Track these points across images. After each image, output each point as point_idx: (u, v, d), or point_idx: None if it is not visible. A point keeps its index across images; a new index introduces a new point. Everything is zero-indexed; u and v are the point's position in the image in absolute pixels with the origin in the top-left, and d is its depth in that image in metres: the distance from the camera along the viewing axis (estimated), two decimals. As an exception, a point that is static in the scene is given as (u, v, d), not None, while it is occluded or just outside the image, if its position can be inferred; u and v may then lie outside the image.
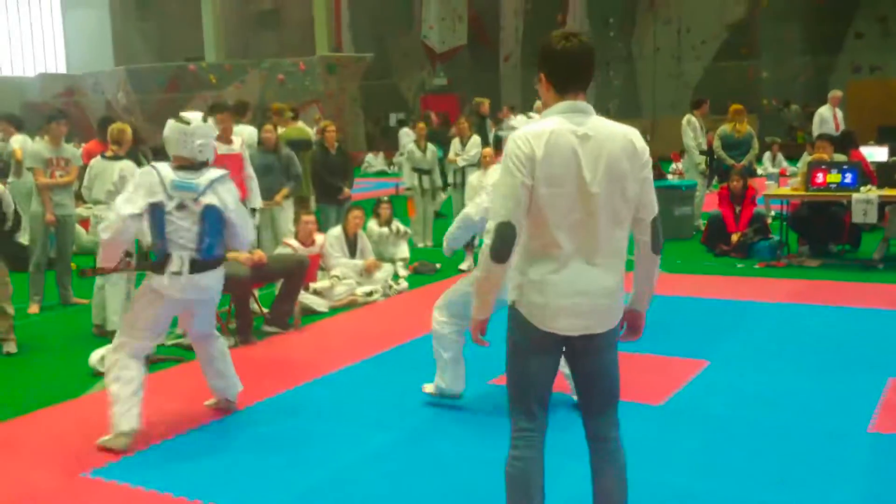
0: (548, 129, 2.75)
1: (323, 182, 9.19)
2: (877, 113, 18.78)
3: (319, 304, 7.40)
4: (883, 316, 6.58)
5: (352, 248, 8.16)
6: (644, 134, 10.64)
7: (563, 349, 2.91)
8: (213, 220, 4.53)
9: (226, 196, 4.58)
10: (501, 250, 2.75)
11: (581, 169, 2.73)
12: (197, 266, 4.50)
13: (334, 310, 7.48)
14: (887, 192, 8.33)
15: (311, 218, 7.89)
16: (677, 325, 6.50)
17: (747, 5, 23.55)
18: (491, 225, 2.77)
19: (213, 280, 4.65)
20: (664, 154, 15.63)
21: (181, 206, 4.46)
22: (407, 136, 16.66)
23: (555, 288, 2.79)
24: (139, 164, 7.46)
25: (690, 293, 7.57)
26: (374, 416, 4.80)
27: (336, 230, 8.21)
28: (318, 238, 7.80)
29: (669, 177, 13.95)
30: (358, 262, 8.05)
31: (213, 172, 4.60)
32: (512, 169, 2.73)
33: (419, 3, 27.54)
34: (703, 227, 10.29)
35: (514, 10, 26.69)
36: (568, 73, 2.82)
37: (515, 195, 2.72)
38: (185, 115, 4.59)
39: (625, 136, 2.80)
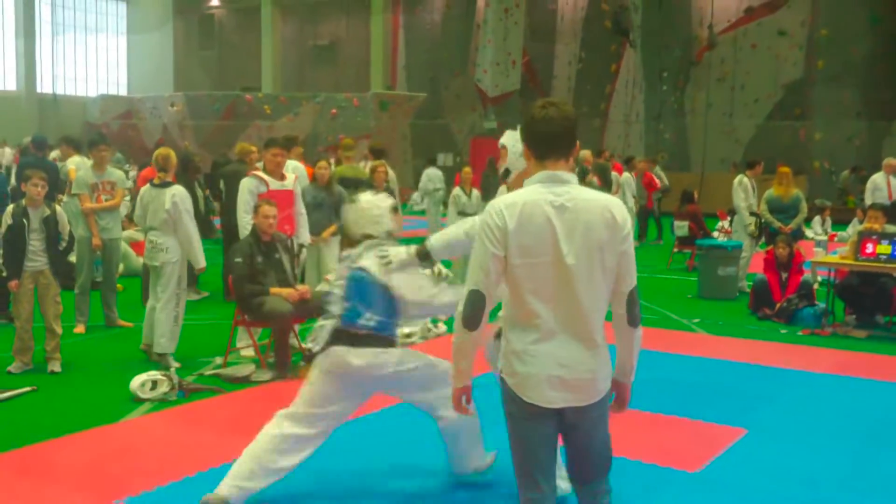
0: (521, 199, 2.77)
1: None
2: (932, 182, 18.46)
3: (358, 344, 7.41)
4: (930, 394, 6.43)
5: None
6: (692, 189, 10.59)
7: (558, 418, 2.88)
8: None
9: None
10: (472, 318, 2.80)
11: (557, 240, 2.73)
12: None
13: (372, 350, 7.49)
14: (939, 266, 8.17)
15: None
16: (716, 390, 6.41)
17: (803, 66, 23.45)
18: (464, 292, 2.83)
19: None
20: (710, 211, 15.50)
21: None
22: (429, 178, 16.72)
23: (535, 359, 2.79)
24: (192, 192, 7.63)
25: (730, 357, 7.46)
26: (406, 460, 4.79)
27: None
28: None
29: (715, 234, 13.84)
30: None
31: None
32: (484, 239, 2.78)
33: (474, 46, 27.88)
34: (747, 289, 10.16)
35: (569, 60, 26.88)
36: (545, 142, 2.82)
37: (485, 266, 2.77)
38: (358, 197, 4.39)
39: (604, 207, 2.77)
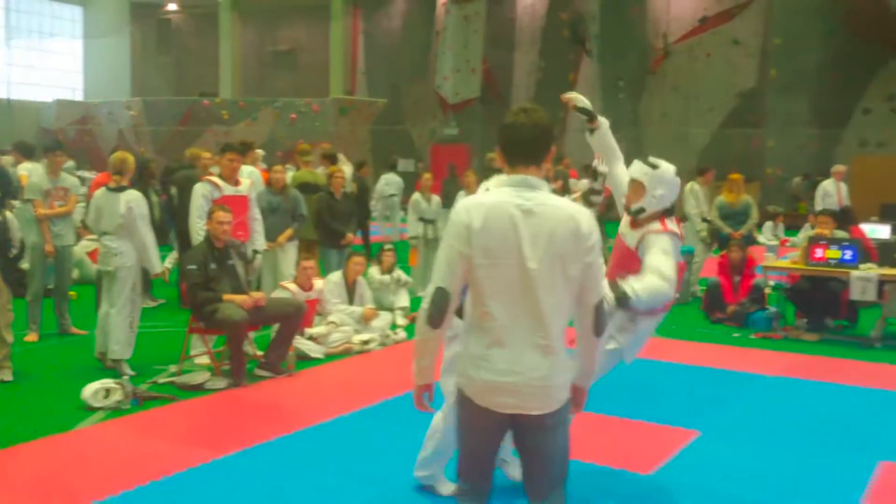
0: (489, 201, 2.79)
1: (326, 227, 9.26)
2: (881, 189, 18.90)
3: (314, 351, 7.41)
4: (877, 396, 6.57)
5: (351, 294, 8.21)
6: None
7: (511, 426, 2.89)
8: None
9: None
10: (435, 315, 2.80)
11: (520, 243, 2.72)
12: None
13: (329, 357, 7.48)
14: (887, 270, 8.37)
15: (311, 263, 7.94)
16: (669, 393, 6.51)
17: (757, 75, 23.87)
18: (429, 289, 2.83)
19: None
20: (667, 217, 15.73)
21: None
22: (386, 183, 16.76)
23: (489, 364, 2.79)
24: (148, 198, 7.54)
25: (684, 360, 7.57)
26: (362, 470, 4.77)
27: (336, 276, 8.26)
28: (317, 283, 7.84)
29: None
30: (356, 308, 8.09)
31: None
32: (451, 238, 2.80)
33: (434, 53, 27.95)
34: (700, 294, 10.31)
35: (528, 68, 27.06)
36: (517, 148, 2.83)
37: (451, 263, 2.78)
38: (653, 159, 4.22)
39: (571, 216, 2.76)
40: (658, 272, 3.91)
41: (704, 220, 11.01)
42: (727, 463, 5.00)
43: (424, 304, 2.83)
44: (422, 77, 28.51)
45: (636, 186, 4.24)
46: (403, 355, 7.70)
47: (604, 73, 25.20)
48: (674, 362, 7.47)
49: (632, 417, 5.78)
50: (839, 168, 13.26)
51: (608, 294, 3.74)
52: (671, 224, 4.21)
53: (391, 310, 8.74)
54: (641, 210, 4.21)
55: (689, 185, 11.14)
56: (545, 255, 2.73)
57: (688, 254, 10.88)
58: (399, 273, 9.17)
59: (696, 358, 7.67)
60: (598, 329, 2.87)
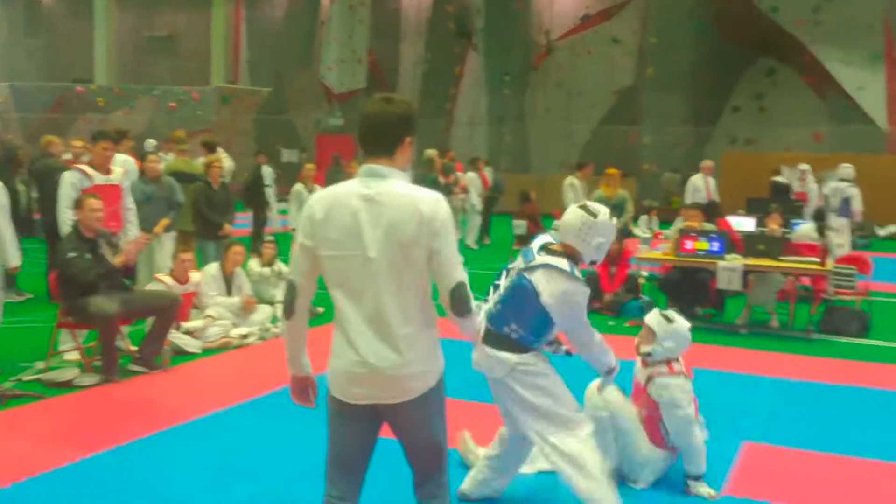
0: (334, 192, 2.82)
1: (203, 218, 9.03)
2: (748, 184, 19.83)
3: (191, 345, 7.22)
4: (742, 380, 6.90)
5: (229, 285, 8.03)
6: (529, 191, 10.89)
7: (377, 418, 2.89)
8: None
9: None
10: (287, 307, 2.90)
11: (361, 233, 2.72)
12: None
13: (207, 351, 7.30)
14: (752, 261, 8.80)
15: (189, 256, 7.73)
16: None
17: (634, 73, 24.64)
18: (286, 282, 2.94)
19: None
20: (548, 211, 16.06)
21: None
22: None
23: (342, 354, 2.81)
24: (14, 187, 7.18)
25: (563, 349, 7.75)
26: (239, 467, 4.69)
27: (213, 267, 8.07)
28: (194, 276, 7.64)
29: (552, 234, 14.32)
30: (234, 299, 7.92)
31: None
32: (298, 230, 2.87)
33: (319, 42, 27.63)
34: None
35: (414, 60, 27.10)
36: (366, 137, 2.84)
37: (296, 255, 2.85)
38: (593, 206, 4.09)
39: (414, 203, 2.72)
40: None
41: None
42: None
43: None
44: (306, 67, 28.14)
45: (646, 332, 4.57)
46: (283, 350, 7.60)
47: (489, 67, 25.48)
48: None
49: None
50: (707, 163, 13.89)
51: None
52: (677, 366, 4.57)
53: (271, 303, 8.59)
54: (649, 354, 4.56)
55: (568, 180, 11.44)
56: (385, 243, 2.71)
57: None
58: (280, 265, 9.04)
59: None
60: (458, 310, 2.78)
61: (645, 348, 4.60)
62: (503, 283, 4.02)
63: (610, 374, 4.13)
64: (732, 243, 9.17)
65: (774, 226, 10.07)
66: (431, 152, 13.74)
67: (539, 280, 3.83)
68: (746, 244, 9.26)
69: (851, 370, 7.19)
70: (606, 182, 11.10)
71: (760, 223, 10.72)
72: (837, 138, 22.16)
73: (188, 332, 7.31)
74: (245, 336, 7.63)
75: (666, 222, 17.70)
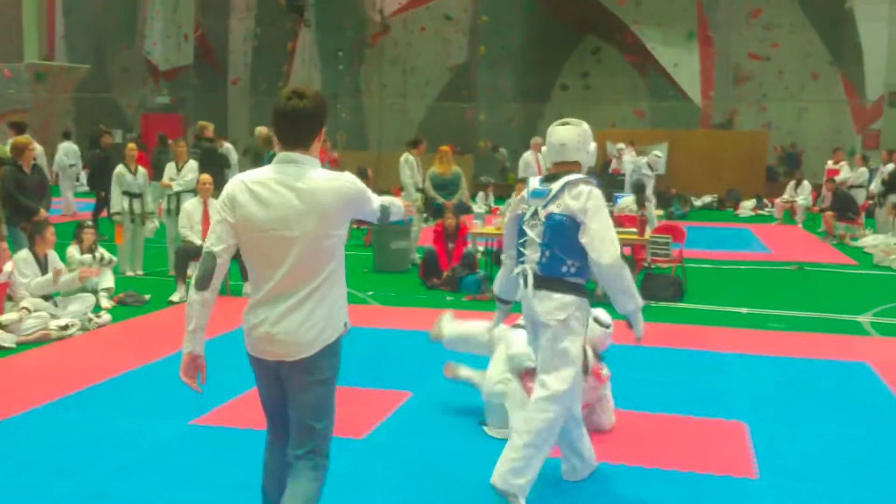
0: (254, 175, 3.06)
1: (14, 203, 8.41)
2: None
3: (5, 340, 6.73)
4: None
5: (43, 268, 7.52)
6: (367, 168, 10.89)
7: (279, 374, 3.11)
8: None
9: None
10: (202, 278, 3.02)
11: (280, 214, 2.97)
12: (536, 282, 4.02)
13: (23, 345, 6.84)
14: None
15: (3, 245, 7.19)
16: (385, 358, 6.67)
17: (468, 51, 24.99)
18: (203, 254, 3.07)
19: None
20: (387, 188, 16.09)
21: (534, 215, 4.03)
22: (64, 152, 16.04)
23: (255, 317, 3.06)
24: None
25: (399, 325, 7.80)
26: (58, 463, 4.44)
27: (24, 253, 7.54)
28: (7, 266, 7.12)
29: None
30: (48, 277, 7.43)
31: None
32: (218, 207, 3.08)
33: (142, 17, 26.33)
34: (418, 261, 10.68)
35: (244, 36, 26.31)
36: (283, 133, 3.07)
37: (217, 230, 3.05)
38: (572, 119, 4.15)
39: (329, 182, 3.03)
40: None
41: (419, 189, 11.37)
42: (437, 420, 5.24)
43: (198, 268, 3.04)
44: (130, 43, 26.78)
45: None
46: (108, 340, 7.24)
47: (322, 43, 25.14)
48: (391, 328, 7.67)
49: (348, 384, 5.84)
50: (537, 140, 14.29)
51: None
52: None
53: (94, 291, 8.14)
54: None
55: (403, 157, 11.44)
56: (299, 222, 2.96)
57: (407, 223, 11.21)
58: (102, 251, 8.57)
59: (411, 323, 7.91)
60: (384, 218, 3.37)
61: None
62: (531, 233, 4.02)
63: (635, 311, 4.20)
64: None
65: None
66: (264, 129, 13.39)
67: (568, 202, 3.89)
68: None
69: (669, 333, 7.61)
70: (440, 159, 11.19)
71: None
72: (657, 114, 23.42)
73: (2, 326, 6.81)
74: (65, 327, 7.18)
75: (502, 198, 18.13)
